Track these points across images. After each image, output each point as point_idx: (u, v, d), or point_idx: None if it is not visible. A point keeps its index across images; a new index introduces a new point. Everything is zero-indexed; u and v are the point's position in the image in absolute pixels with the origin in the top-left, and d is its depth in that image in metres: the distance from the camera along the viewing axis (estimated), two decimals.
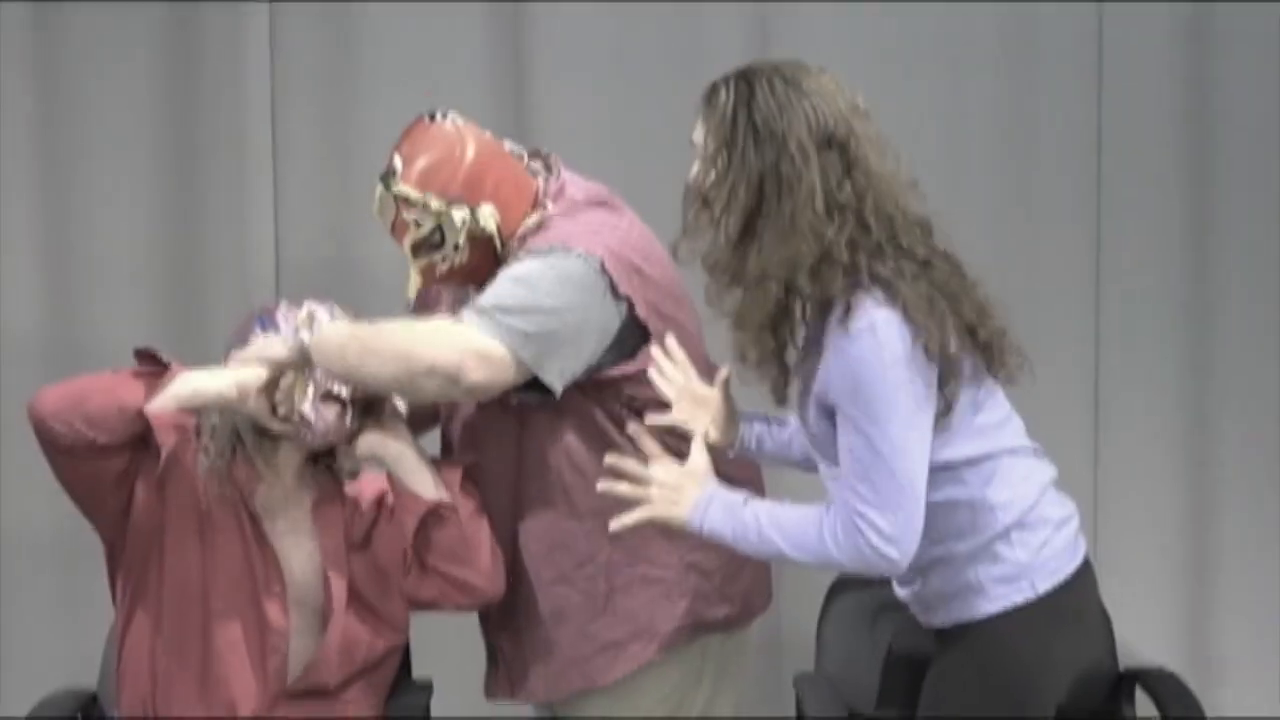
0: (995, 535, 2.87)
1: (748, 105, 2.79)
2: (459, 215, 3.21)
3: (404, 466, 3.25)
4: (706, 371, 3.19)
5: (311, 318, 3.24)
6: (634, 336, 3.20)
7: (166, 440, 3.19)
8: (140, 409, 3.09)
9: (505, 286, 3.12)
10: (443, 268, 3.25)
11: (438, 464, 3.30)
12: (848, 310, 2.74)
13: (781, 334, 2.85)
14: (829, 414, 2.81)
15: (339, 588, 3.24)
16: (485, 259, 3.25)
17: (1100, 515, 4.44)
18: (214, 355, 3.32)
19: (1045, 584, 2.88)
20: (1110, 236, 4.42)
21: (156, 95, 4.27)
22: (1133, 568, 4.44)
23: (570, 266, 3.13)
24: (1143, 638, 4.33)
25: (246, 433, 3.25)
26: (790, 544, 2.81)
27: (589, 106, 4.33)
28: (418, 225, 3.22)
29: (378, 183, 3.23)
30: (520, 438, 3.29)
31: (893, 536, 2.74)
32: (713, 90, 2.85)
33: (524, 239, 3.23)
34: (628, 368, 3.20)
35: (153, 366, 3.15)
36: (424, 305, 3.44)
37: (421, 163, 3.22)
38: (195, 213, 4.29)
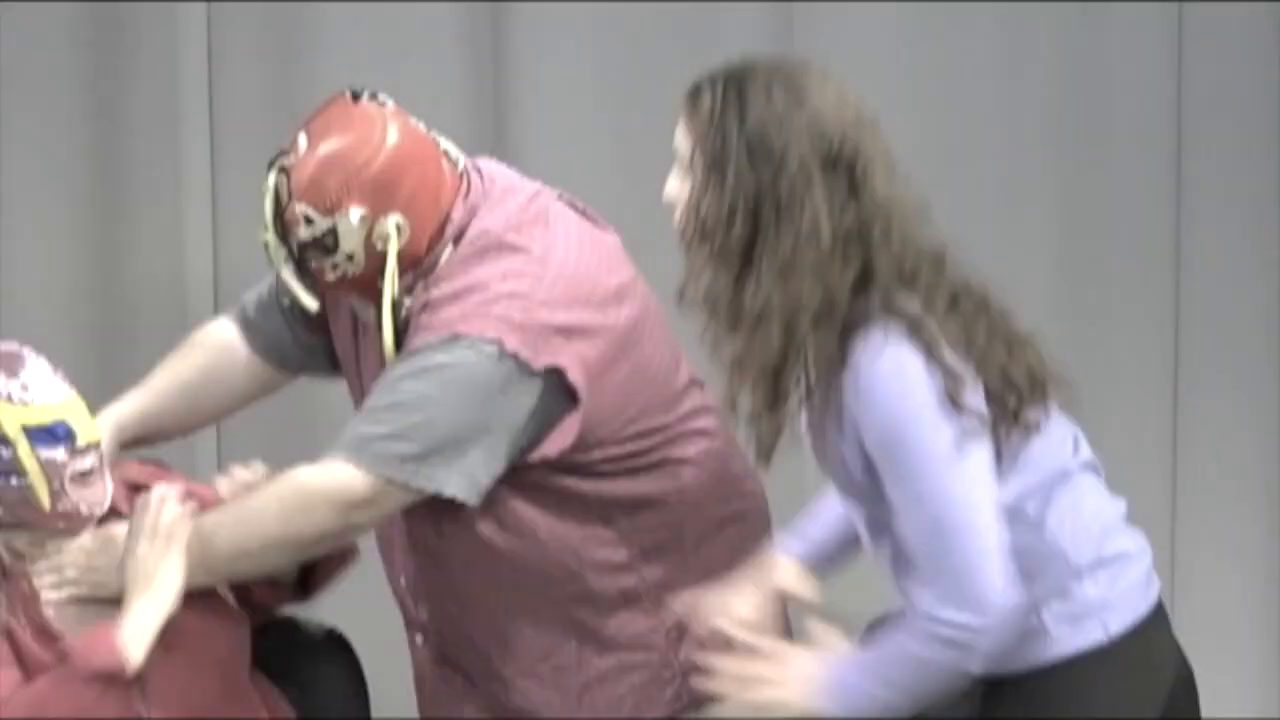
0: (1066, 573, 2.67)
1: (740, 115, 2.59)
2: (357, 218, 2.85)
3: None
4: (684, 391, 3.02)
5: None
6: (561, 402, 2.89)
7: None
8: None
9: (382, 404, 2.84)
10: (332, 276, 2.89)
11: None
12: (864, 345, 2.57)
13: (784, 383, 2.64)
14: (868, 461, 2.62)
15: None
16: (379, 273, 2.93)
17: (1178, 550, 4.31)
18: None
19: (1119, 625, 2.66)
20: (1190, 255, 4.28)
21: (83, 100, 4.13)
22: (1214, 613, 4.30)
23: (458, 363, 2.82)
24: (1227, 688, 4.18)
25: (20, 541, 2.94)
26: (911, 693, 2.62)
27: (580, 117, 4.18)
28: (309, 222, 2.85)
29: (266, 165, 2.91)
30: (446, 533, 3.01)
31: (982, 626, 2.56)
32: (698, 92, 2.63)
33: (425, 292, 2.91)
34: (548, 449, 2.90)
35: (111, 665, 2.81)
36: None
37: (327, 148, 2.86)
38: (126, 232, 4.14)
